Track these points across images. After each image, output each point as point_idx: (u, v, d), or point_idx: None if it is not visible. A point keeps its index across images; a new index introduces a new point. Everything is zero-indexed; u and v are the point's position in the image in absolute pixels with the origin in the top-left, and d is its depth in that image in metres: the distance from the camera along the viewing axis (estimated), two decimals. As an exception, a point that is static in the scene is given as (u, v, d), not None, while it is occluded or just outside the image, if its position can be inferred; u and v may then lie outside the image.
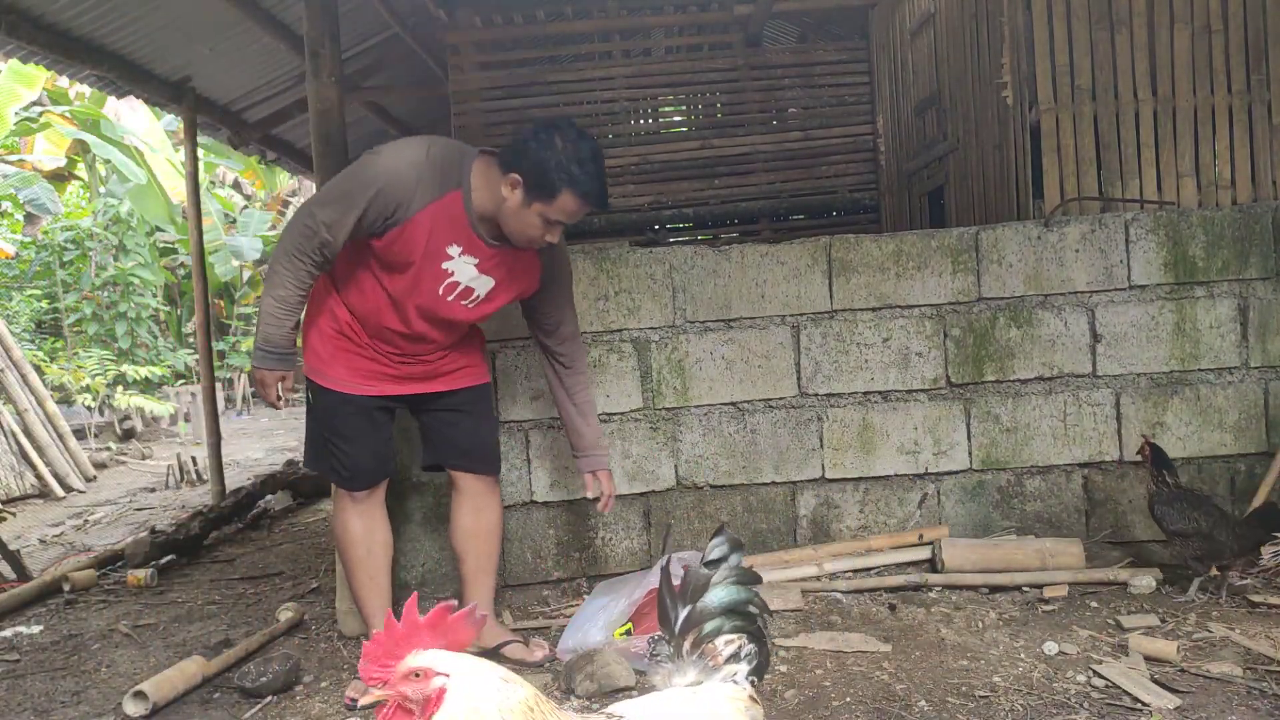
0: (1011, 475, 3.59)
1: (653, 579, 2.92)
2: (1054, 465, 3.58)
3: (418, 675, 1.18)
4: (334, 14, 3.44)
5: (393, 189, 2.46)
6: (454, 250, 2.56)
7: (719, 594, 1.57)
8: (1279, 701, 2.32)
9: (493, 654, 2.89)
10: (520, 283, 2.73)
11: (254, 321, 2.77)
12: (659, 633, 2.93)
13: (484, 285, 2.65)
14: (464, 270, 2.59)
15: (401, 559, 3.41)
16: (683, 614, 1.55)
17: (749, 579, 1.62)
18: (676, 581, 1.58)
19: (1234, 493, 3.56)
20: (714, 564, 1.60)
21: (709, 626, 1.55)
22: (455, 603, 1.26)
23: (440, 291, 2.61)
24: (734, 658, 1.56)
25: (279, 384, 2.63)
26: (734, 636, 1.57)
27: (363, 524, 2.82)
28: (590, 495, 3.02)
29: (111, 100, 10.95)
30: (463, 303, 2.66)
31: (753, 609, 1.60)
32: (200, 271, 6.13)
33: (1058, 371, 3.57)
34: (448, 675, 1.19)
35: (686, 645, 1.54)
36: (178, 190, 12.04)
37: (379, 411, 2.79)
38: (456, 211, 2.53)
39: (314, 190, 3.18)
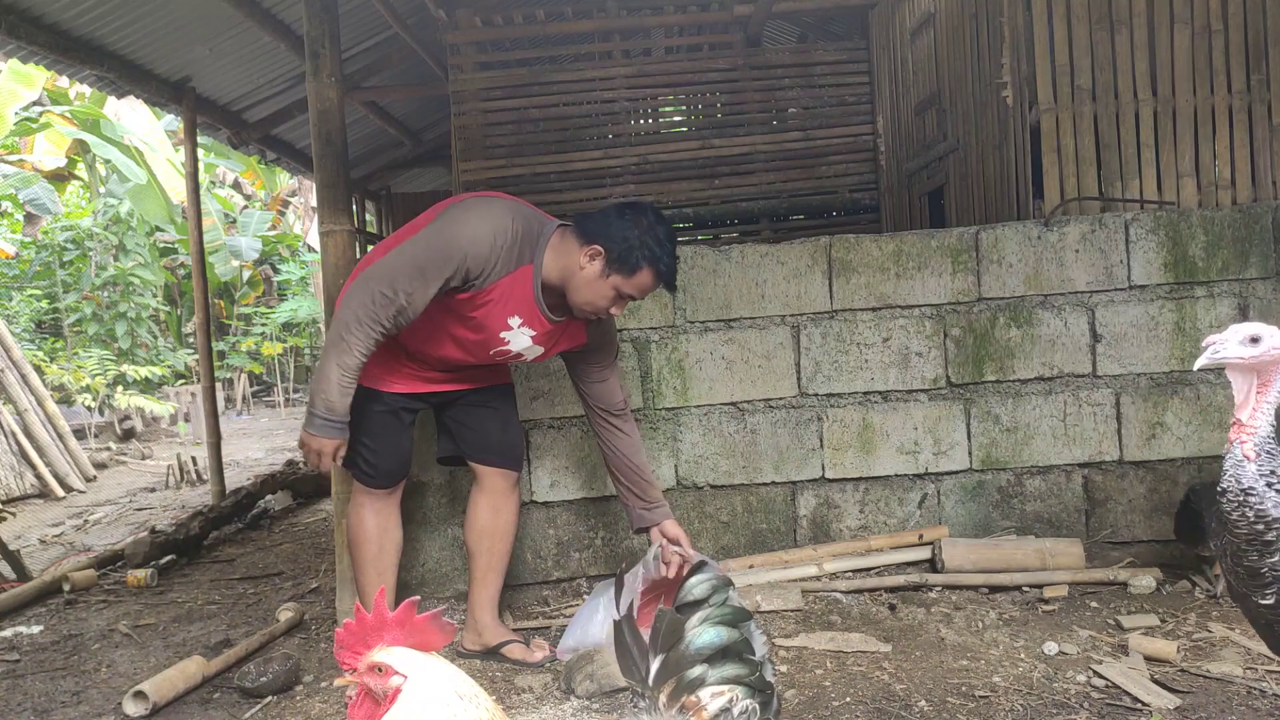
0: (1011, 475, 3.59)
1: (648, 569, 2.90)
2: (1054, 465, 3.58)
3: (380, 670, 1.18)
4: (334, 14, 3.44)
5: (474, 261, 2.46)
6: (514, 321, 2.61)
7: (701, 637, 1.34)
8: (1279, 701, 2.32)
9: (494, 654, 2.90)
10: (564, 341, 2.78)
11: (310, 381, 2.69)
12: None
13: (533, 352, 2.72)
14: (519, 340, 2.65)
15: (402, 558, 3.40)
16: (655, 664, 1.33)
17: (736, 617, 1.39)
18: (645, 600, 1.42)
19: (1234, 493, 3.56)
20: (694, 606, 1.38)
21: (690, 675, 1.33)
22: (419, 600, 1.25)
23: (491, 352, 2.68)
24: (725, 714, 1.32)
25: (336, 451, 2.56)
26: (723, 688, 1.34)
27: (377, 521, 2.85)
28: (673, 561, 2.68)
29: (111, 100, 10.95)
30: (504, 358, 2.74)
31: (749, 656, 1.36)
32: (200, 271, 6.13)
33: (1058, 371, 3.57)
34: (404, 677, 1.18)
35: (663, 698, 1.33)
36: (178, 190, 12.04)
37: (405, 412, 2.82)
38: (526, 286, 2.57)
39: (314, 190, 3.18)
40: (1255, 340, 1.66)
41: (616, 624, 1.41)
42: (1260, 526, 1.65)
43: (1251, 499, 1.65)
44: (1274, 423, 1.67)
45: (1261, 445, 1.66)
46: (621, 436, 2.90)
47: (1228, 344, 1.68)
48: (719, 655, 1.34)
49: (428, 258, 2.45)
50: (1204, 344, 1.71)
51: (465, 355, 2.71)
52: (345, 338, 2.46)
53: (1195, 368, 1.73)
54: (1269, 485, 1.64)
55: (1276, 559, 1.65)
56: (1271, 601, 1.67)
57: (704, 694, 1.32)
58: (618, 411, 2.90)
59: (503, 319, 2.59)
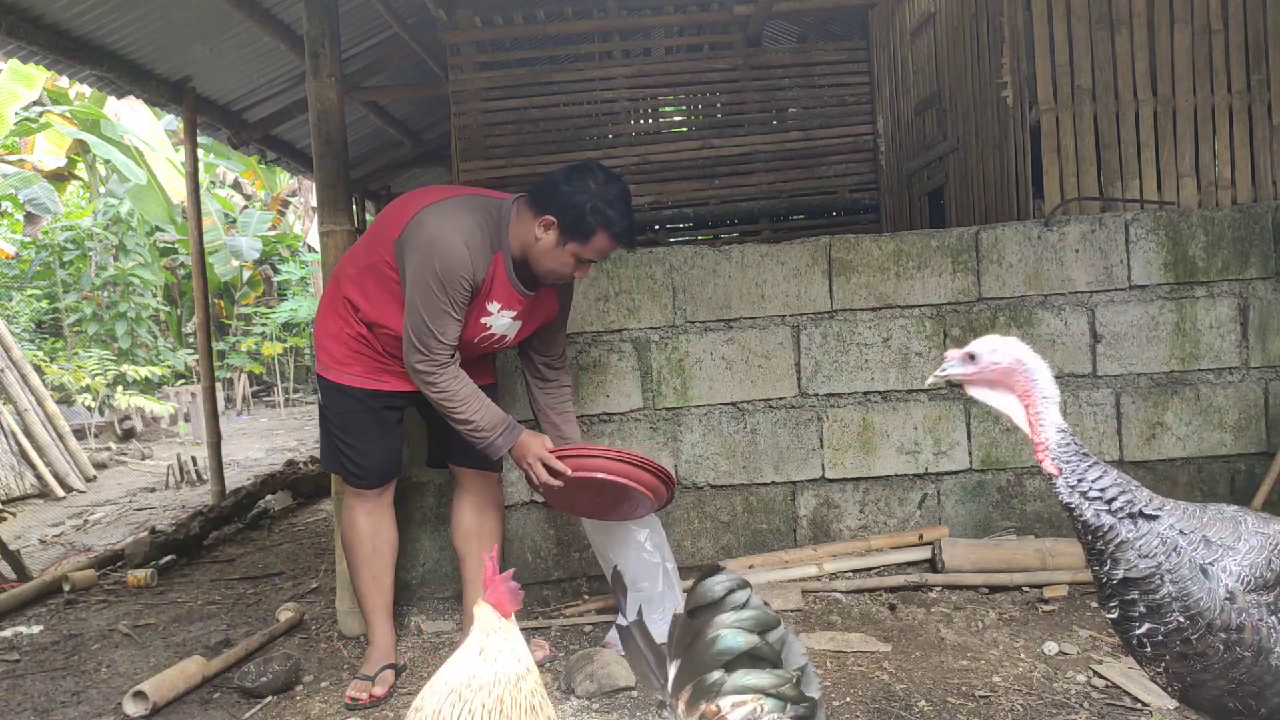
0: (1011, 475, 3.59)
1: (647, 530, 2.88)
2: (1054, 465, 3.57)
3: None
4: (334, 14, 3.44)
5: (466, 271, 2.52)
6: (494, 307, 2.64)
7: (720, 641, 1.27)
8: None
9: (493, 654, 2.90)
10: (539, 318, 2.80)
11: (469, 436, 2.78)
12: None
13: (514, 330, 2.74)
14: (500, 322, 2.68)
15: (402, 559, 3.40)
16: (672, 670, 1.28)
17: (759, 622, 1.28)
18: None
19: (1234, 493, 3.56)
20: (710, 608, 1.31)
21: (709, 679, 1.26)
22: (512, 571, 1.46)
23: (476, 340, 2.70)
24: None
25: (541, 451, 2.63)
26: (745, 697, 1.24)
27: (370, 522, 2.84)
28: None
29: (111, 100, 10.95)
30: (489, 343, 2.75)
31: (779, 665, 1.26)
32: (200, 271, 6.13)
33: (1058, 371, 3.55)
34: (474, 623, 1.40)
35: (681, 705, 1.27)
36: (178, 190, 12.04)
37: (388, 411, 2.81)
38: (500, 271, 2.60)
39: (314, 190, 3.18)
40: (972, 357, 1.67)
41: (624, 629, 1.38)
42: (1089, 538, 1.58)
43: (1074, 513, 1.59)
44: (1077, 444, 1.61)
45: (1059, 456, 1.60)
46: (554, 389, 2.94)
47: (952, 363, 1.69)
48: (741, 661, 1.26)
49: (439, 299, 2.51)
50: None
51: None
52: (441, 390, 2.58)
53: (925, 385, 1.75)
54: (1083, 495, 1.57)
55: (1108, 567, 1.55)
56: (1115, 616, 1.57)
57: (724, 702, 1.25)
58: (558, 361, 2.93)
59: (481, 306, 2.62)
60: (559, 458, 2.64)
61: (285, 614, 3.43)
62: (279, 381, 16.27)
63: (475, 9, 5.83)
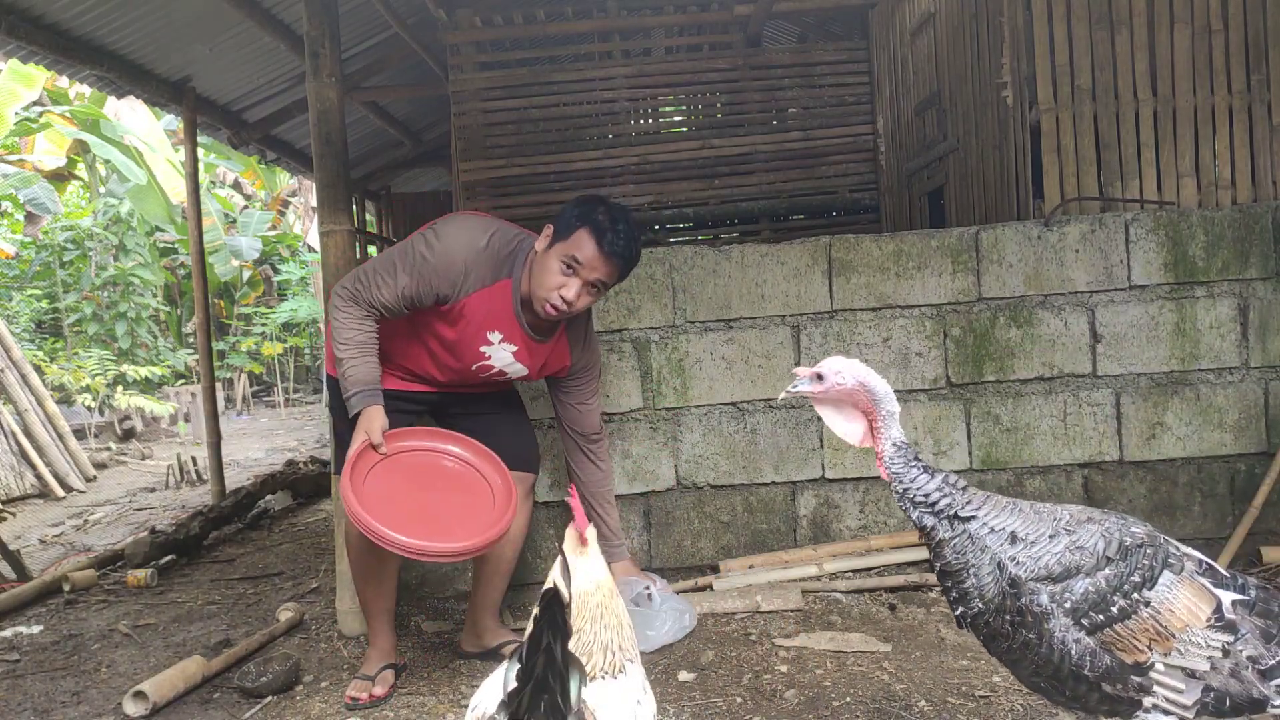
0: (1011, 475, 3.59)
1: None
2: (1054, 465, 3.58)
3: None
4: (334, 14, 3.44)
5: (442, 276, 2.52)
6: (494, 337, 2.63)
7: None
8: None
9: (493, 654, 2.90)
10: (551, 365, 2.80)
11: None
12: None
13: (516, 371, 2.73)
14: (500, 355, 2.67)
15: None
16: None
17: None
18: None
19: (1234, 492, 3.56)
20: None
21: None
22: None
23: (474, 368, 2.69)
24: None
25: (375, 430, 2.54)
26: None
27: None
28: None
29: (111, 100, 10.96)
30: (491, 376, 2.75)
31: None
32: (200, 271, 6.13)
33: (1058, 371, 3.56)
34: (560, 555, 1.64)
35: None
36: (178, 190, 12.04)
37: (399, 414, 2.80)
38: (504, 299, 2.59)
39: (314, 190, 3.19)
40: (820, 377, 1.82)
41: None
42: (921, 537, 1.76)
43: (907, 514, 1.76)
44: (911, 456, 1.76)
45: (891, 466, 1.76)
46: (591, 468, 2.95)
47: (802, 381, 1.84)
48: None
49: (400, 255, 2.55)
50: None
51: (445, 370, 2.72)
52: (334, 318, 2.60)
53: (779, 399, 1.88)
54: (910, 500, 1.74)
55: (933, 559, 1.74)
56: (946, 600, 1.75)
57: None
58: (594, 438, 2.94)
59: (481, 333, 2.61)
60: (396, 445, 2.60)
61: (285, 614, 3.43)
62: (279, 381, 16.28)
63: (475, 9, 5.83)
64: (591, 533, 1.67)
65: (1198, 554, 1.69)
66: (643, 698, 1.54)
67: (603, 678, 1.51)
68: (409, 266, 2.53)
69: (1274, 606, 1.63)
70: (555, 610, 1.29)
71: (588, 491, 2.95)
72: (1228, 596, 1.61)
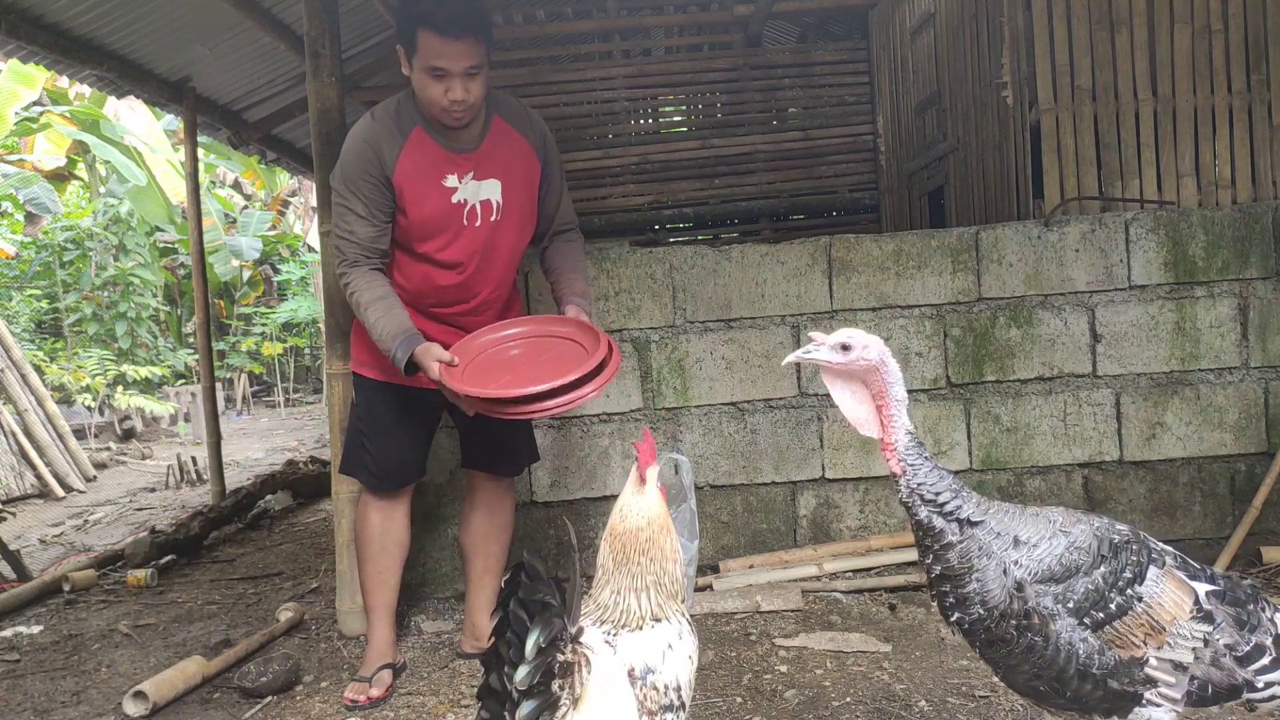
0: (1012, 475, 3.59)
1: None
2: (1054, 465, 3.58)
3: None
4: (334, 14, 3.44)
5: (362, 167, 2.56)
6: (451, 180, 2.62)
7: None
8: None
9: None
10: (520, 166, 2.72)
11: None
12: None
13: (494, 191, 2.67)
14: (469, 189, 2.64)
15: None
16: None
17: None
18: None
19: (1234, 492, 3.56)
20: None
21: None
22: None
23: (465, 221, 2.65)
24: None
25: (440, 352, 2.51)
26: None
27: (380, 519, 2.85)
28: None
29: (111, 100, 10.95)
30: (490, 219, 2.67)
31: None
32: (200, 271, 6.13)
33: (1058, 371, 3.56)
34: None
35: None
36: (178, 190, 12.03)
37: (409, 415, 2.81)
38: (426, 142, 2.61)
39: (314, 190, 3.20)
40: (846, 348, 1.70)
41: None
42: (920, 534, 1.69)
43: (910, 511, 1.68)
44: (922, 448, 1.72)
45: (904, 457, 1.70)
46: (562, 244, 2.88)
47: (821, 348, 1.71)
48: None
49: (335, 195, 2.62)
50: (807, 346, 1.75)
51: (452, 250, 2.66)
52: (346, 284, 2.62)
53: (784, 363, 1.82)
54: (920, 497, 1.66)
55: (930, 561, 1.66)
56: (936, 604, 1.70)
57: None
58: (569, 225, 2.89)
59: (437, 184, 2.61)
60: (466, 342, 2.60)
61: (285, 614, 3.43)
62: (279, 381, 16.28)
63: (475, 9, 5.83)
64: (652, 472, 1.74)
65: (1170, 548, 1.71)
66: (676, 642, 1.63)
67: (633, 630, 1.63)
68: (345, 189, 2.58)
69: (1241, 595, 1.65)
70: (518, 575, 1.60)
71: (565, 266, 2.84)
72: (1202, 588, 1.63)
